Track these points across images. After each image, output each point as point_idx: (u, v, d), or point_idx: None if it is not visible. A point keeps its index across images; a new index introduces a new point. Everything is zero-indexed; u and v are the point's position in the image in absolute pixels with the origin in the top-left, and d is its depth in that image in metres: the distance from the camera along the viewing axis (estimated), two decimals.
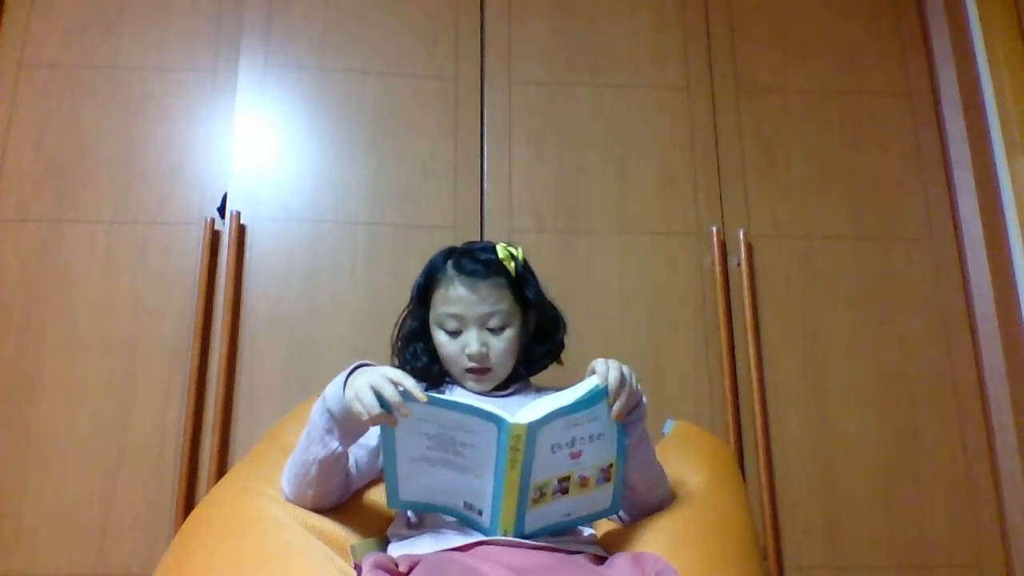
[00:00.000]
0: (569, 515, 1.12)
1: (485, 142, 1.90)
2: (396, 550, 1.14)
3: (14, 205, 1.76)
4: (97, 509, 1.61)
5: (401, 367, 1.41)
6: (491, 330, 1.31)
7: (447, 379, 1.37)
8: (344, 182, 1.84)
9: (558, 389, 1.11)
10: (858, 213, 1.92)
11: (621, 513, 1.21)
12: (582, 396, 1.05)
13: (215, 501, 1.18)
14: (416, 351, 1.38)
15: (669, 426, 1.49)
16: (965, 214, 1.90)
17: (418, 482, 1.09)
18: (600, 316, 1.80)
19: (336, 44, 1.93)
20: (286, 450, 1.20)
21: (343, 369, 1.12)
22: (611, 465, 1.10)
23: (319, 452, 1.10)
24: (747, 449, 1.74)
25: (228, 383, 1.68)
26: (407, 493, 1.10)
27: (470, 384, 1.33)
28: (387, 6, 1.96)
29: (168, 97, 1.86)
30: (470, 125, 1.91)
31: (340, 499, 1.19)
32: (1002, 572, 1.70)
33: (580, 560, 1.06)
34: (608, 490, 1.12)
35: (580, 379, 1.09)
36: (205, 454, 1.64)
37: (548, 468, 1.05)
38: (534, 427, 1.01)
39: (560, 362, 1.42)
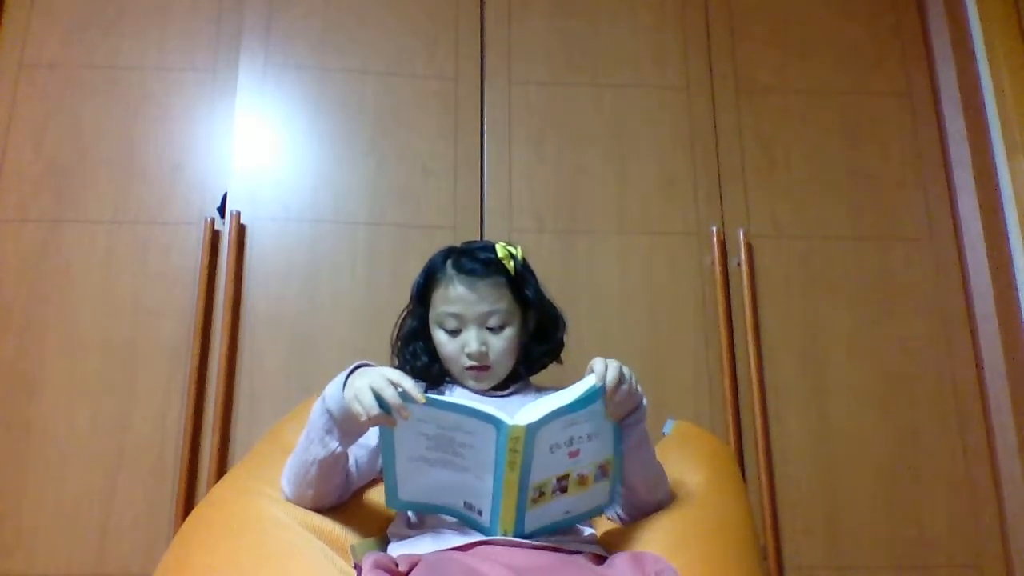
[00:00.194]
0: (568, 513, 1.12)
1: (485, 142, 1.90)
2: (396, 550, 1.14)
3: (14, 205, 1.76)
4: (97, 509, 1.61)
5: (401, 367, 1.42)
6: (491, 329, 1.31)
7: (447, 378, 1.37)
8: (344, 182, 1.84)
9: (558, 389, 1.11)
10: (858, 213, 1.92)
11: (621, 513, 1.22)
12: (580, 396, 1.05)
13: (215, 501, 1.18)
14: (416, 350, 1.38)
15: (669, 426, 1.49)
16: (965, 214, 1.90)
17: (417, 482, 1.09)
18: (600, 316, 1.80)
19: (336, 44, 1.93)
20: (286, 450, 1.20)
21: (343, 369, 1.12)
22: (608, 461, 1.11)
23: (319, 452, 1.10)
24: (747, 449, 1.74)
25: (228, 383, 1.68)
26: (406, 493, 1.10)
27: (470, 383, 1.33)
28: (387, 6, 1.96)
29: (168, 97, 1.86)
30: (470, 125, 1.91)
31: (340, 499, 1.19)
32: (1002, 572, 1.70)
33: (580, 560, 1.06)
34: (605, 486, 1.13)
35: (580, 379, 1.09)
36: (205, 454, 1.64)
37: (547, 468, 1.05)
38: (532, 428, 1.01)
39: (560, 361, 1.42)
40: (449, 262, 1.33)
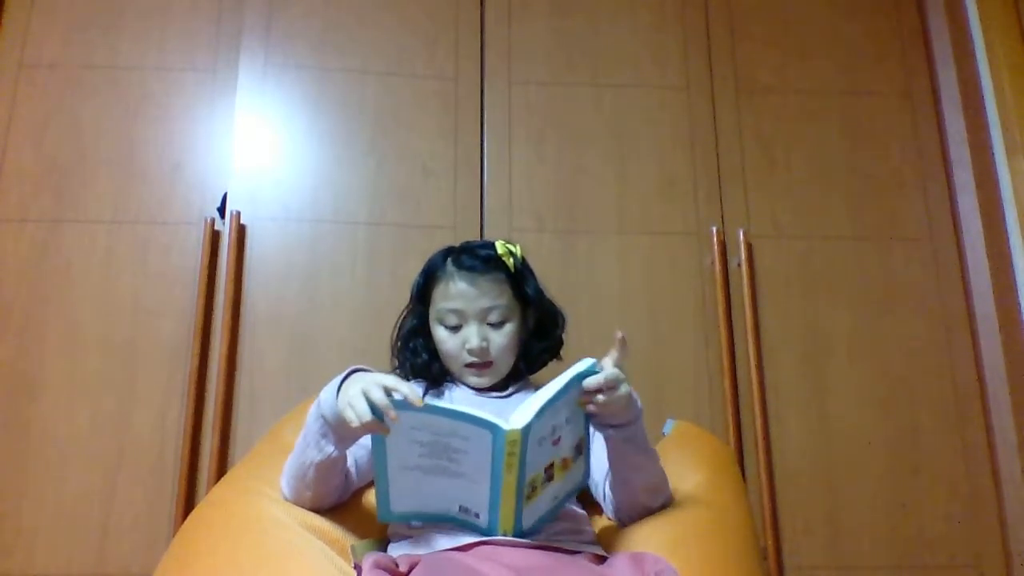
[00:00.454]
0: (556, 498, 1.13)
1: (485, 142, 1.90)
2: (396, 550, 1.14)
3: (14, 205, 1.76)
4: (97, 509, 1.61)
5: (401, 366, 1.42)
6: (491, 325, 1.31)
7: (447, 377, 1.37)
8: (344, 182, 1.84)
9: None
10: (858, 213, 1.92)
11: (621, 516, 1.21)
12: (565, 383, 1.05)
13: (215, 501, 1.18)
14: (416, 348, 1.38)
15: (669, 426, 1.49)
16: (965, 214, 1.90)
17: (411, 491, 1.08)
18: (600, 316, 1.80)
19: (336, 44, 1.93)
20: (286, 450, 1.20)
21: (342, 369, 1.12)
22: (581, 439, 1.12)
23: (315, 456, 1.10)
24: (747, 449, 1.74)
25: (228, 383, 1.68)
26: (399, 504, 1.09)
27: (471, 380, 1.33)
28: (387, 6, 1.96)
29: (168, 97, 1.86)
30: (470, 125, 1.91)
31: (339, 499, 1.19)
32: (1002, 572, 1.70)
33: (580, 560, 1.06)
34: (582, 462, 1.14)
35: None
36: (205, 454, 1.64)
37: (537, 462, 1.06)
38: (526, 430, 1.01)
39: (560, 358, 1.43)
40: (449, 260, 1.34)
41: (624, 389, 1.07)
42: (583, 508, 1.26)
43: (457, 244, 1.40)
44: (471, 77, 1.94)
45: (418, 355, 1.38)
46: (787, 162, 1.95)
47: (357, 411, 1.01)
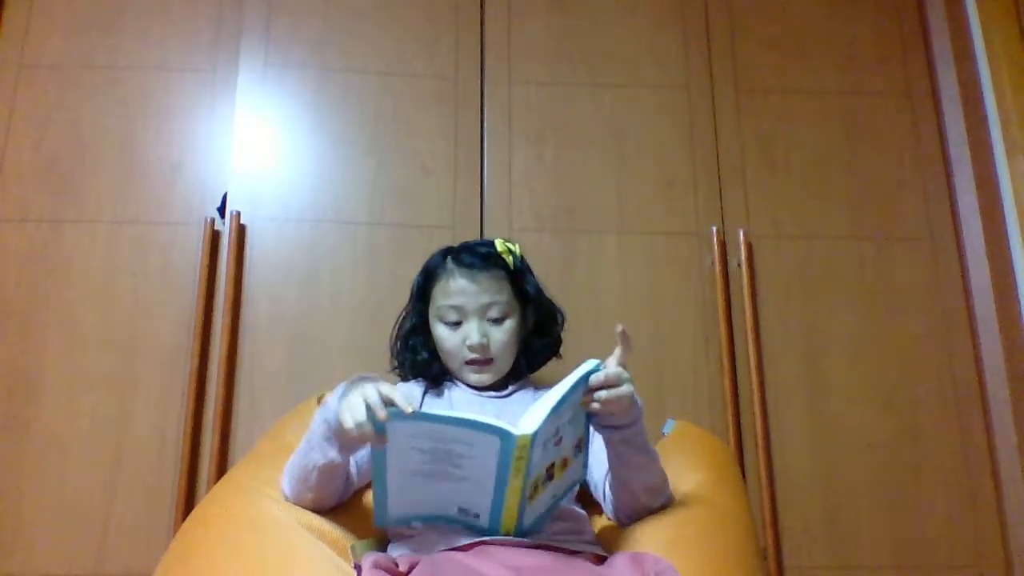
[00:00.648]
0: (555, 496, 1.13)
1: (485, 142, 1.90)
2: (396, 550, 1.14)
3: (14, 205, 1.76)
4: (97, 509, 1.61)
5: (401, 366, 1.42)
6: (491, 321, 1.31)
7: (447, 377, 1.38)
8: (344, 182, 1.84)
9: (551, 384, 1.11)
10: (858, 213, 1.92)
11: (621, 516, 1.21)
12: (572, 384, 1.05)
13: (215, 501, 1.18)
14: (416, 346, 1.39)
15: (669, 426, 1.49)
16: (965, 214, 1.90)
17: (409, 496, 1.07)
18: (600, 316, 1.80)
19: (336, 44, 1.93)
20: (287, 450, 1.20)
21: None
22: (581, 437, 1.12)
23: (319, 459, 1.10)
24: (747, 449, 1.74)
25: (228, 383, 1.68)
26: (397, 508, 1.08)
27: (471, 378, 1.33)
28: (387, 6, 1.96)
29: (168, 97, 1.86)
30: (470, 125, 1.91)
31: (340, 501, 1.19)
32: (1002, 572, 1.70)
33: (580, 560, 1.06)
34: (581, 459, 1.14)
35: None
36: (205, 454, 1.64)
37: (541, 464, 1.05)
38: (535, 434, 1.01)
39: (560, 356, 1.43)
40: (449, 257, 1.35)
41: (627, 388, 1.07)
42: (583, 508, 1.26)
43: (456, 245, 1.40)
44: (471, 77, 1.94)
45: (417, 353, 1.38)
46: (787, 162, 1.94)
47: (354, 416, 1.00)
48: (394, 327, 1.45)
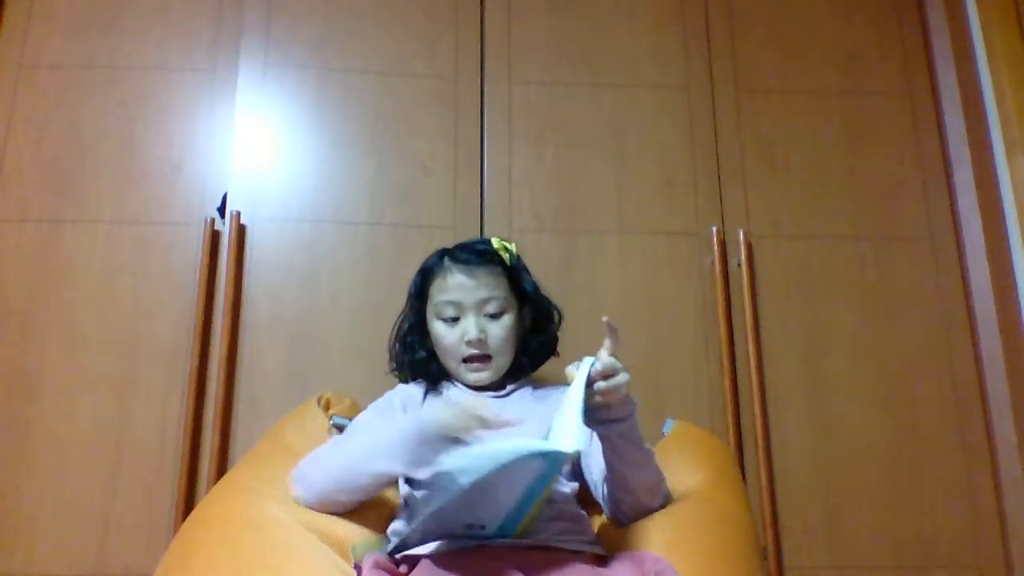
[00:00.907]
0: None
1: (485, 142, 1.90)
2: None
3: (14, 205, 1.76)
4: (97, 509, 1.61)
5: (399, 368, 1.42)
6: (489, 316, 1.31)
7: (446, 377, 1.38)
8: (344, 182, 1.84)
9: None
10: (858, 213, 1.92)
11: (620, 516, 1.21)
12: (585, 390, 1.04)
13: (215, 500, 1.18)
14: (413, 345, 1.39)
15: (669, 426, 1.49)
16: (965, 214, 1.89)
17: (426, 525, 1.04)
18: (600, 316, 1.79)
19: (336, 44, 1.93)
20: (286, 450, 1.20)
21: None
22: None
23: (382, 468, 1.08)
24: (747, 449, 1.74)
25: (228, 383, 1.68)
26: (415, 537, 1.06)
27: (470, 377, 1.33)
28: (387, 6, 1.96)
29: (168, 97, 1.86)
30: (470, 125, 1.91)
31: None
32: (1002, 572, 1.70)
33: (580, 560, 1.06)
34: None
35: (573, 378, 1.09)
36: (205, 454, 1.64)
37: None
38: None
39: (557, 354, 1.43)
40: (446, 256, 1.35)
41: (622, 377, 1.07)
42: (583, 508, 1.26)
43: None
44: (471, 77, 1.94)
45: (415, 352, 1.38)
46: (787, 162, 1.94)
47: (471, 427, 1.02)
48: (393, 328, 1.45)
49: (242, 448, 1.63)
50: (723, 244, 1.85)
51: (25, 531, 1.58)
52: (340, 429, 1.35)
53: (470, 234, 1.80)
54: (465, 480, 0.94)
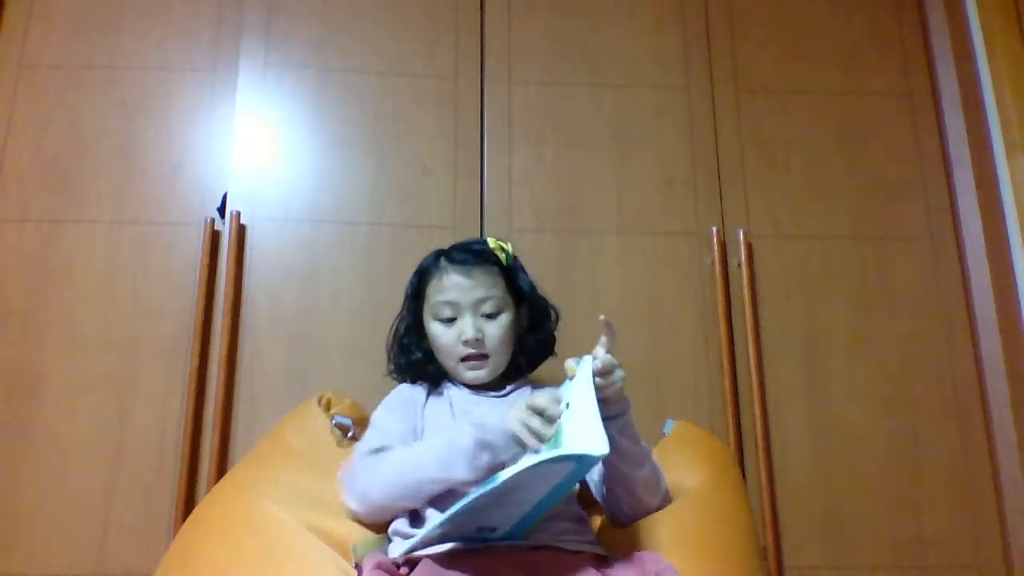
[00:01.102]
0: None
1: (485, 142, 1.90)
2: (398, 549, 1.14)
3: (14, 205, 1.76)
4: (97, 509, 1.61)
5: (397, 369, 1.42)
6: (486, 316, 1.32)
7: (446, 378, 1.37)
8: (344, 182, 1.84)
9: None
10: (858, 213, 1.92)
11: (621, 516, 1.21)
12: (593, 388, 1.04)
13: (215, 501, 1.19)
14: (410, 346, 1.39)
15: (669, 426, 1.50)
16: (965, 214, 1.89)
17: (443, 528, 1.04)
18: (600, 316, 1.79)
19: (336, 44, 1.93)
20: (286, 450, 1.20)
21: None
22: None
23: (455, 476, 1.10)
24: (747, 449, 1.74)
25: (228, 383, 1.68)
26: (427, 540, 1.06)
27: (468, 376, 1.33)
28: (387, 6, 1.96)
29: (168, 97, 1.86)
30: (470, 125, 1.91)
31: None
32: (1002, 572, 1.70)
33: (581, 560, 1.06)
34: None
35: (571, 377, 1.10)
36: (205, 454, 1.64)
37: None
38: None
39: (555, 354, 1.43)
40: (442, 257, 1.35)
41: (619, 373, 1.09)
42: (583, 508, 1.26)
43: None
44: (471, 77, 1.94)
45: (411, 353, 1.38)
46: (787, 162, 1.94)
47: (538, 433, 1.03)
48: (389, 332, 1.45)
49: (242, 448, 1.63)
50: (723, 244, 1.85)
51: (25, 531, 1.58)
52: (343, 428, 1.35)
53: (470, 234, 1.80)
54: (501, 478, 0.95)
